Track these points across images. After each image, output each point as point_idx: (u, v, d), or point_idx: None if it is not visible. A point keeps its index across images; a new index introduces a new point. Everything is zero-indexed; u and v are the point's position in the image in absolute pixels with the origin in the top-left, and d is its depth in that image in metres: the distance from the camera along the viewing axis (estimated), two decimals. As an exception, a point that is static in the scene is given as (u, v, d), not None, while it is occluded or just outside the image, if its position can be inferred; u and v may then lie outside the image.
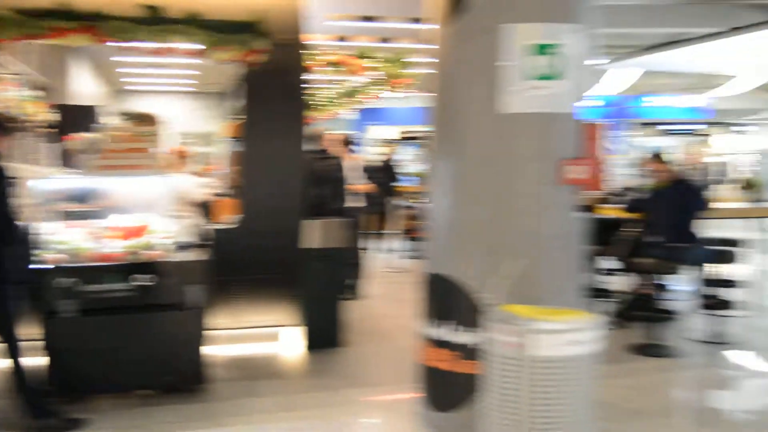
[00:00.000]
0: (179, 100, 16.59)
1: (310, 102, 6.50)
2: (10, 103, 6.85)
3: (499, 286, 3.68)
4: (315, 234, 5.96)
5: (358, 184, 8.13)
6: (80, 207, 5.45)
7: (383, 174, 11.06)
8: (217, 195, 6.69)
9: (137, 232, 4.89)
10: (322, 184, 7.03)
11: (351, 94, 13.61)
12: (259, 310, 6.11)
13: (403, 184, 11.89)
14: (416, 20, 8.37)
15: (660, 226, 6.53)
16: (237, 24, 5.65)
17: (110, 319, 4.55)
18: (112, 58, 11.50)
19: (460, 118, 3.97)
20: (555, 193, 3.86)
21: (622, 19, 9.33)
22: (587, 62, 4.00)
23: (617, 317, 6.60)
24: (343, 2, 8.14)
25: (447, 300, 4.04)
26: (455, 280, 3.97)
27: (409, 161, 15.98)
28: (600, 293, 6.66)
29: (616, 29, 9.93)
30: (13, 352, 4.12)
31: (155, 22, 5.49)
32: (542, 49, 3.77)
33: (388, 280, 9.24)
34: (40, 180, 5.26)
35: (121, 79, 14.74)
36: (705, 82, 17.18)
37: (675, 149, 21.33)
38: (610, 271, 6.96)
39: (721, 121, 23.39)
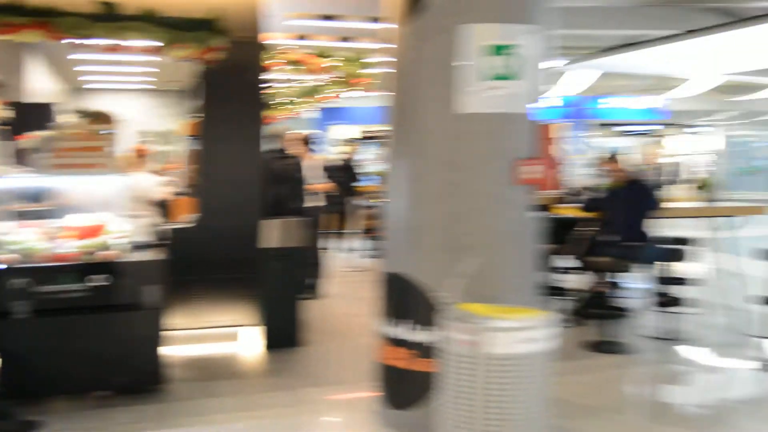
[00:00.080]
0: (138, 98, 16.36)
1: (269, 101, 6.47)
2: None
3: (456, 285, 3.71)
4: (274, 233, 5.94)
5: (317, 184, 8.13)
6: (34, 206, 5.37)
7: (344, 173, 11.07)
8: (176, 194, 6.63)
9: (93, 231, 4.82)
10: (280, 183, 7.03)
11: (311, 93, 13.55)
12: (218, 310, 6.08)
13: (363, 183, 11.89)
14: (375, 19, 8.38)
15: (615, 225, 6.63)
16: (194, 21, 5.59)
17: (65, 320, 4.49)
18: (69, 56, 11.29)
19: (418, 118, 4.00)
20: (511, 192, 3.92)
21: (581, 21, 9.43)
22: (544, 63, 4.06)
23: (573, 315, 6.70)
24: (302, 1, 8.12)
25: (404, 299, 4.07)
26: (412, 279, 4.00)
27: (370, 161, 15.98)
28: (556, 291, 6.73)
29: (574, 31, 10.04)
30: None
31: (111, 19, 5.40)
32: (499, 49, 3.81)
33: (348, 279, 9.24)
34: (-7, 179, 5.16)
35: (79, 77, 14.46)
36: (662, 83, 17.47)
37: (631, 150, 21.69)
38: (565, 270, 7.05)
39: (676, 122, 23.87)
